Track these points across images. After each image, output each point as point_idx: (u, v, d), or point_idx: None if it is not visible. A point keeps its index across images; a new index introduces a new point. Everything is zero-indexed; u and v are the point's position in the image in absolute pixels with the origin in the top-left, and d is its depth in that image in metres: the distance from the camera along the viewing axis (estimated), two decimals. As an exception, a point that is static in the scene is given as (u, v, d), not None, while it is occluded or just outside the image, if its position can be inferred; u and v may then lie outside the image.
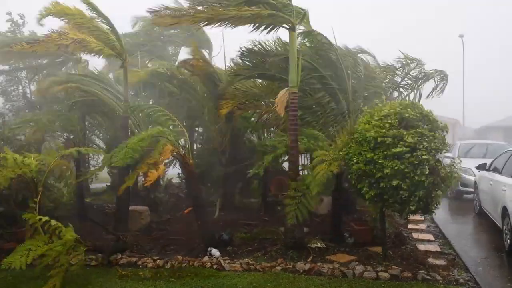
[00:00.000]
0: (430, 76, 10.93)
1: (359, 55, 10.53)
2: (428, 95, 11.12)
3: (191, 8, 7.31)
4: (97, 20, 9.05)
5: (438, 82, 11.09)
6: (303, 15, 8.15)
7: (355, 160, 6.63)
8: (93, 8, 8.77)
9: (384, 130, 6.31)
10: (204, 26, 7.67)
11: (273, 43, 8.90)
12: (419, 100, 10.84)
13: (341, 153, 7.16)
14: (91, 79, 10.47)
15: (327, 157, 7.18)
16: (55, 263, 5.97)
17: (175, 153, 7.92)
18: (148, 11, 7.39)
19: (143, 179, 12.23)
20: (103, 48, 8.59)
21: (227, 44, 11.54)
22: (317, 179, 6.72)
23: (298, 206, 6.98)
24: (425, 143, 6.14)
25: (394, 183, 6.14)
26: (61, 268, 5.85)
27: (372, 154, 6.36)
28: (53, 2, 8.58)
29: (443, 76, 11.07)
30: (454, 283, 6.09)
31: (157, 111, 8.61)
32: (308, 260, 6.96)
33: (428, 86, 11.08)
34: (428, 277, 6.18)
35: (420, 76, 10.90)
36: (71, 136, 10.70)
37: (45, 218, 6.05)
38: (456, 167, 6.57)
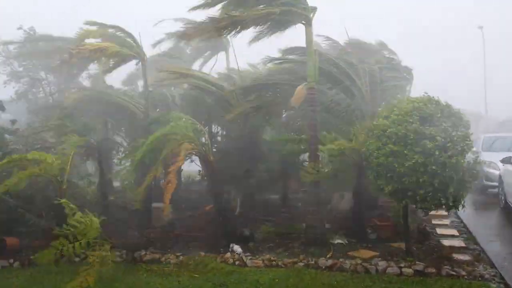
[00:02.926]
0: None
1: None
2: None
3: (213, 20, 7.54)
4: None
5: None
6: (314, 11, 8.08)
7: (375, 155, 6.53)
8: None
9: (405, 125, 6.22)
10: (226, 35, 8.03)
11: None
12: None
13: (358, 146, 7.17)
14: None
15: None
16: (82, 260, 6.14)
17: (195, 151, 8.00)
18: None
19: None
20: (120, 50, 8.97)
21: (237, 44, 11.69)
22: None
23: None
24: (449, 144, 6.02)
25: (421, 179, 6.03)
26: (91, 265, 6.01)
27: (394, 146, 6.26)
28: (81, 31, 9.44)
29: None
30: (480, 278, 6.00)
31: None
32: (330, 256, 6.94)
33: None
34: (453, 273, 6.11)
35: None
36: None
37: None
38: (480, 162, 6.44)
